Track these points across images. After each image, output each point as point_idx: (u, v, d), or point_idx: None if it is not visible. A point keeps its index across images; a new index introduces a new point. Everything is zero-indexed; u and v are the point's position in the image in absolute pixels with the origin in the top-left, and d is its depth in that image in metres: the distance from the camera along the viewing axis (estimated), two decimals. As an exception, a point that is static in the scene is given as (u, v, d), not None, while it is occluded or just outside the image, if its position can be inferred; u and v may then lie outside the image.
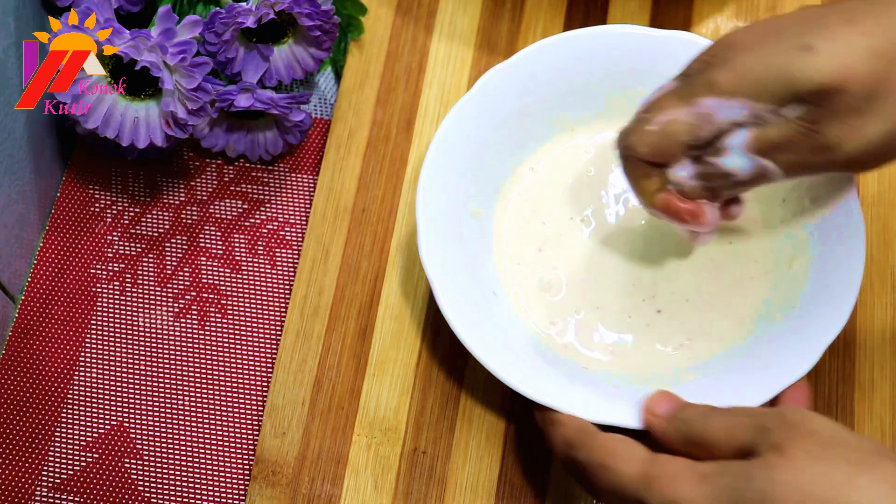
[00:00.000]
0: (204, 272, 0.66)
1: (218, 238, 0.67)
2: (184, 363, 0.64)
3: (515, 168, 0.62)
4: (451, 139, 0.60)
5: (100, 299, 0.65)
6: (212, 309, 0.65)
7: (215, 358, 0.64)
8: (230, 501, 0.61)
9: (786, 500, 0.44)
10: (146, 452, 0.62)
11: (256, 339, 0.64)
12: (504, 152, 0.62)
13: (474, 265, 0.60)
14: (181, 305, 0.65)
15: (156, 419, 0.62)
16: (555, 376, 0.57)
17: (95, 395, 0.63)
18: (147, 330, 0.64)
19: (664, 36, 0.61)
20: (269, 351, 0.64)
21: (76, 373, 0.64)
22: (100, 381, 0.63)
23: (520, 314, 0.60)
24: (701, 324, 0.59)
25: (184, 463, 0.62)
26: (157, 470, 0.61)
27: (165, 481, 0.61)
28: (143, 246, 0.66)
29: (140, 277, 0.66)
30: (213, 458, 0.62)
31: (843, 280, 0.56)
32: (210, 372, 0.63)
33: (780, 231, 0.60)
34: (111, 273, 0.66)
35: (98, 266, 0.66)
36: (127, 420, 0.62)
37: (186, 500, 0.61)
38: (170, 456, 0.62)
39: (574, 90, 0.62)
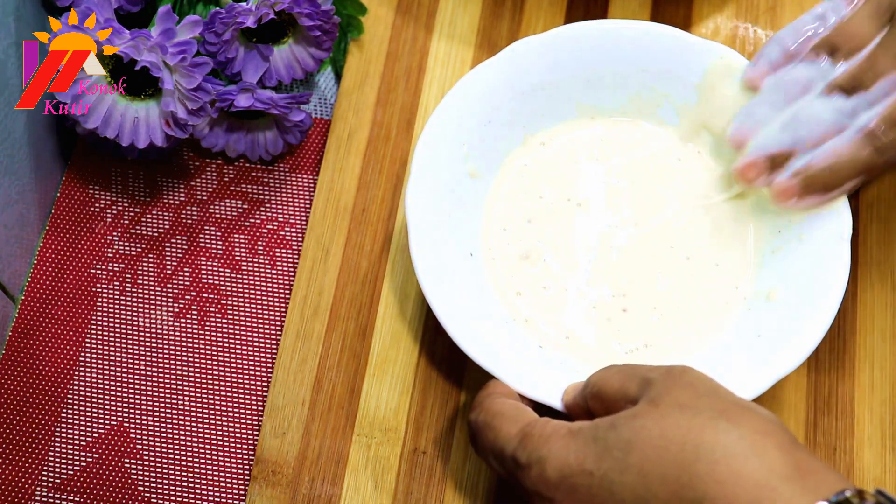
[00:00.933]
0: (204, 272, 0.66)
1: (218, 238, 0.67)
2: (184, 363, 0.64)
3: (526, 138, 0.63)
4: (466, 98, 0.61)
5: (100, 299, 0.65)
6: (212, 309, 0.65)
7: (215, 358, 0.64)
8: (230, 501, 0.61)
9: (648, 444, 0.46)
10: (146, 452, 0.62)
11: (256, 339, 0.64)
12: (518, 122, 0.62)
13: (458, 223, 0.60)
14: (181, 305, 0.65)
15: (156, 419, 0.62)
16: (505, 344, 0.57)
17: (95, 395, 0.63)
18: (147, 330, 0.64)
19: (700, 44, 0.61)
20: (269, 351, 0.64)
21: (76, 373, 0.64)
22: (100, 381, 0.63)
23: (490, 278, 0.60)
24: (660, 334, 0.59)
25: (184, 463, 0.62)
26: (157, 470, 0.61)
27: (165, 481, 0.61)
28: (143, 246, 0.66)
29: (140, 277, 0.66)
30: (213, 458, 0.62)
31: (812, 320, 0.56)
32: (210, 372, 0.63)
33: (768, 261, 0.60)
34: (111, 273, 0.66)
35: (98, 266, 0.66)
36: (127, 420, 0.62)
37: (186, 500, 0.61)
38: (170, 456, 0.62)
39: (602, 78, 0.62)
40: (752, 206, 0.61)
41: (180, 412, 0.63)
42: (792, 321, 0.56)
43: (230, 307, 0.65)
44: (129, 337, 0.64)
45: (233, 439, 0.62)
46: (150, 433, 0.62)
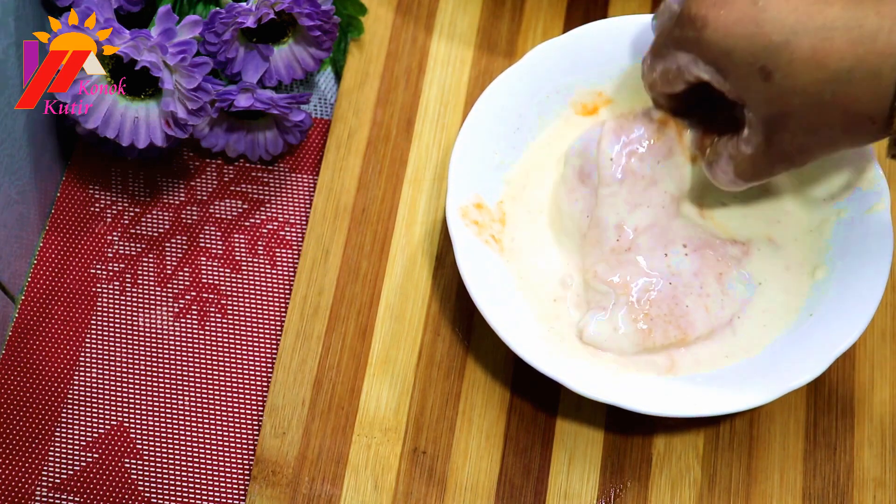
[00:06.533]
0: (204, 272, 0.66)
1: (218, 238, 0.67)
2: (184, 363, 0.64)
3: (551, 139, 0.63)
4: (494, 108, 0.61)
5: (100, 299, 0.65)
6: (212, 309, 0.65)
7: (215, 358, 0.64)
8: (230, 501, 0.61)
9: None
10: (146, 452, 0.62)
11: (256, 339, 0.64)
12: (545, 126, 0.62)
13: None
14: (181, 305, 0.65)
15: (156, 419, 0.62)
16: (565, 353, 0.57)
17: (95, 395, 0.63)
18: (147, 330, 0.64)
19: None
20: (269, 351, 0.64)
21: (76, 373, 0.64)
22: (100, 381, 0.63)
23: (520, 276, 0.60)
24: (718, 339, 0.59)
25: (184, 463, 0.62)
26: (157, 470, 0.61)
27: (165, 481, 0.61)
28: (143, 246, 0.66)
29: (140, 277, 0.66)
30: (213, 458, 0.62)
31: (863, 293, 0.56)
32: (210, 372, 0.63)
33: (805, 241, 0.60)
34: (111, 273, 0.66)
35: (98, 266, 0.66)
36: (127, 420, 0.62)
37: (186, 500, 0.61)
38: (170, 456, 0.62)
39: (623, 74, 0.62)
40: (781, 188, 0.61)
41: (180, 412, 0.63)
42: (841, 296, 0.57)
43: (230, 307, 0.65)
44: (129, 337, 0.64)
45: (233, 439, 0.62)
46: (150, 433, 0.62)
